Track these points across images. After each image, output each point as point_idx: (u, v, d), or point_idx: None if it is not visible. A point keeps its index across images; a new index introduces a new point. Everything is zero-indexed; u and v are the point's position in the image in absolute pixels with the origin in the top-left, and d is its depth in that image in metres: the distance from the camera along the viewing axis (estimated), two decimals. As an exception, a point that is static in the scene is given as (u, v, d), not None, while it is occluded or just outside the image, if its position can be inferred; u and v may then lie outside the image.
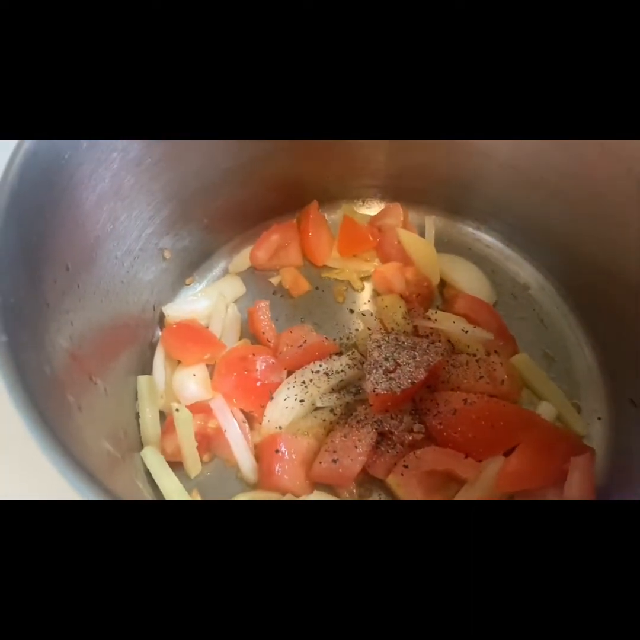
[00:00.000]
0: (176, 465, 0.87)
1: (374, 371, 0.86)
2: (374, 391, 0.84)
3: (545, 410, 0.91)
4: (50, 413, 0.49)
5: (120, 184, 0.78)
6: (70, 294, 0.69)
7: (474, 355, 0.92)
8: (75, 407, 0.60)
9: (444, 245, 1.10)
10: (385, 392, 0.84)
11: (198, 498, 0.87)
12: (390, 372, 0.86)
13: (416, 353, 0.88)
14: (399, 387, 0.84)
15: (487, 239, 1.11)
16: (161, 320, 1.00)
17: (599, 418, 0.93)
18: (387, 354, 0.88)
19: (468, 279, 1.05)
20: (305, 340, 0.95)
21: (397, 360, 0.87)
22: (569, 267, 1.01)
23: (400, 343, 0.90)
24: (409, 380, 0.84)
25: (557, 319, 1.03)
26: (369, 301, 1.06)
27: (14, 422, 0.46)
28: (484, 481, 0.82)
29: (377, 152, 1.05)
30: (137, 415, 0.90)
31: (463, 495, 0.83)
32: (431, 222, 1.10)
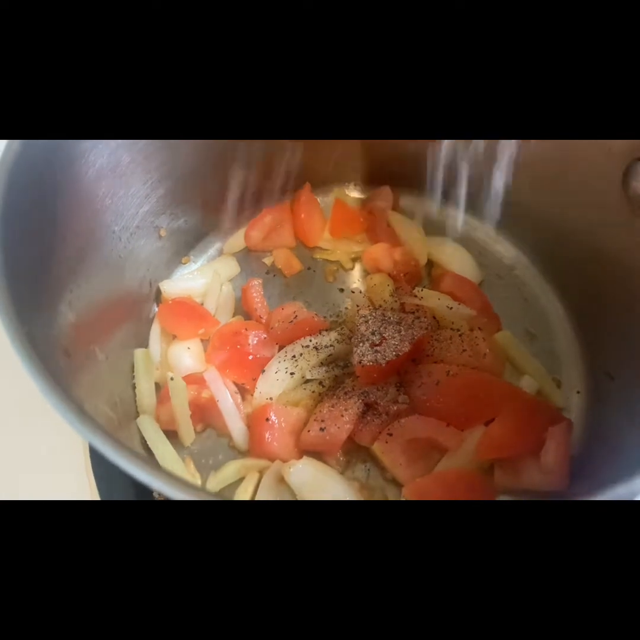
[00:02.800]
0: (171, 434, 0.91)
1: (361, 344, 0.90)
2: (360, 363, 0.88)
3: (527, 385, 0.95)
4: (51, 365, 0.52)
5: (118, 161, 0.81)
6: (70, 264, 0.72)
7: (458, 330, 0.96)
8: (75, 367, 0.64)
9: (433, 227, 1.13)
10: (371, 363, 0.87)
11: (191, 465, 0.90)
12: (376, 345, 0.90)
13: (401, 327, 0.91)
14: (384, 359, 0.88)
15: (474, 222, 1.15)
16: (157, 296, 1.03)
17: (577, 392, 0.96)
18: (374, 329, 0.92)
19: (455, 260, 1.08)
20: (296, 316, 0.98)
21: (383, 334, 0.91)
22: (553, 249, 1.04)
23: (386, 318, 0.93)
24: (394, 353, 0.88)
25: (540, 298, 1.06)
26: (358, 280, 1.09)
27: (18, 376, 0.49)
28: (465, 449, 0.86)
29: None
30: (133, 386, 0.93)
31: (445, 462, 0.87)
32: (419, 205, 1.13)
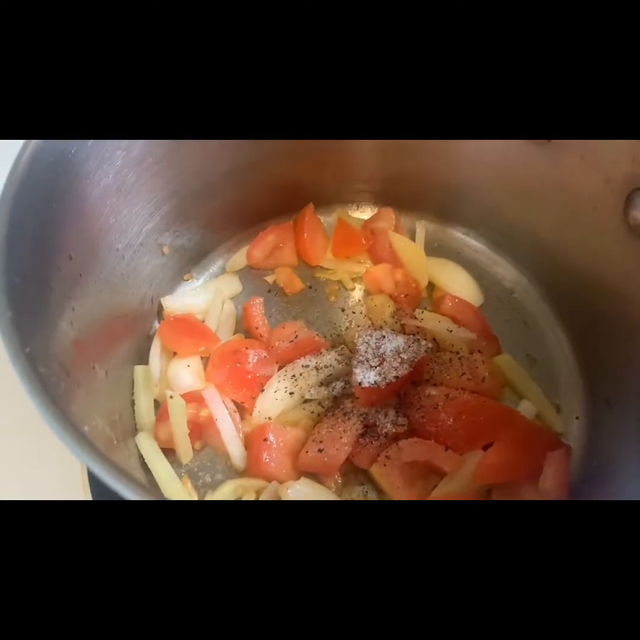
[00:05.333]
0: (169, 452, 0.91)
1: (361, 366, 0.90)
2: (359, 384, 0.88)
3: (526, 409, 0.95)
4: (50, 385, 0.52)
5: (123, 180, 0.82)
6: (72, 282, 0.73)
7: (457, 353, 0.96)
8: (74, 385, 0.64)
9: (434, 249, 1.14)
10: (370, 385, 0.88)
11: (188, 484, 0.90)
12: (376, 367, 0.90)
13: (401, 349, 0.91)
14: (384, 381, 0.88)
15: (475, 245, 1.15)
16: (159, 312, 1.04)
17: (576, 417, 0.96)
18: (374, 350, 0.92)
19: (456, 282, 1.09)
20: (297, 336, 0.99)
21: (383, 356, 0.91)
22: (553, 273, 1.05)
23: (386, 340, 0.93)
24: (394, 375, 0.88)
25: (540, 322, 1.06)
26: (359, 300, 1.10)
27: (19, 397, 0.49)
28: (463, 473, 0.86)
29: (371, 158, 1.09)
30: (133, 403, 0.93)
31: (443, 486, 0.87)
32: (422, 227, 1.14)
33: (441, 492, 0.86)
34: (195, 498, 0.89)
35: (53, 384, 0.55)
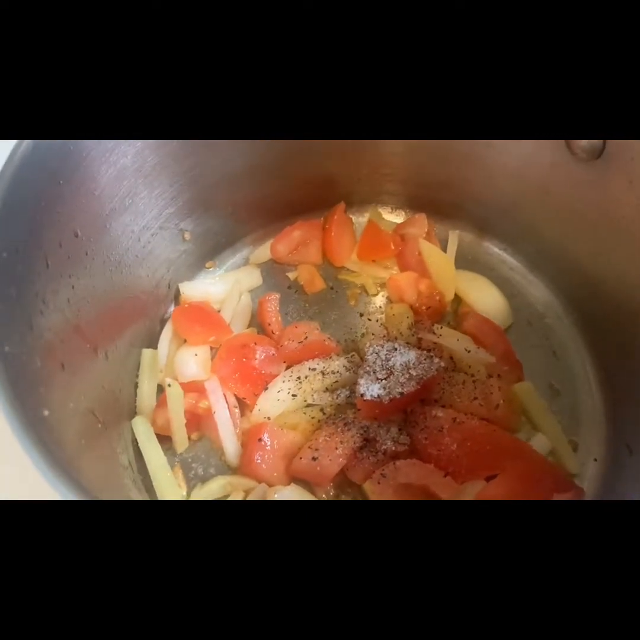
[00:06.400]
0: (165, 439, 0.90)
1: (366, 376, 0.86)
2: (362, 396, 0.84)
3: (539, 443, 0.89)
4: (16, 364, 0.51)
5: (143, 162, 0.81)
6: (75, 260, 0.72)
7: (473, 376, 0.90)
8: (56, 365, 0.63)
9: (468, 262, 1.09)
10: (372, 398, 0.84)
11: (179, 474, 0.89)
12: (382, 380, 0.86)
13: (412, 365, 0.87)
14: (388, 395, 0.84)
15: (511, 262, 1.09)
16: (176, 297, 1.03)
17: (594, 459, 0.89)
18: (383, 362, 0.88)
19: (484, 299, 1.03)
20: (307, 337, 0.96)
21: (391, 370, 0.87)
22: (589, 301, 0.97)
23: (398, 353, 0.89)
24: (399, 391, 0.84)
25: (569, 352, 0.99)
26: (380, 307, 1.05)
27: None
28: (460, 503, 0.81)
29: (407, 159, 1.04)
30: (136, 386, 0.93)
31: (437, 514, 0.82)
32: (454, 237, 1.09)
33: (434, 519, 0.82)
34: (184, 488, 0.88)
35: (21, 362, 0.54)
